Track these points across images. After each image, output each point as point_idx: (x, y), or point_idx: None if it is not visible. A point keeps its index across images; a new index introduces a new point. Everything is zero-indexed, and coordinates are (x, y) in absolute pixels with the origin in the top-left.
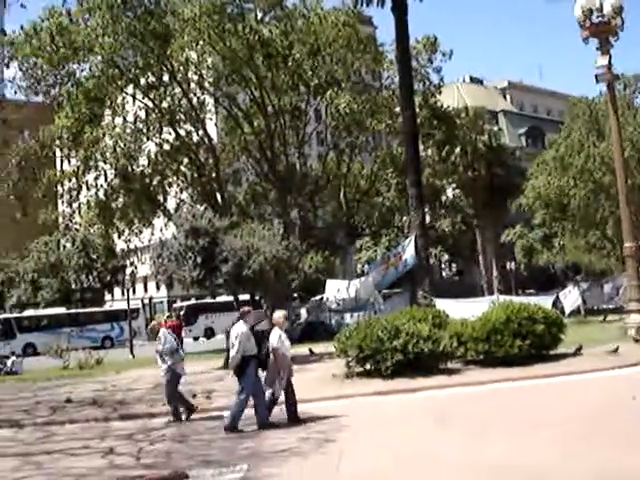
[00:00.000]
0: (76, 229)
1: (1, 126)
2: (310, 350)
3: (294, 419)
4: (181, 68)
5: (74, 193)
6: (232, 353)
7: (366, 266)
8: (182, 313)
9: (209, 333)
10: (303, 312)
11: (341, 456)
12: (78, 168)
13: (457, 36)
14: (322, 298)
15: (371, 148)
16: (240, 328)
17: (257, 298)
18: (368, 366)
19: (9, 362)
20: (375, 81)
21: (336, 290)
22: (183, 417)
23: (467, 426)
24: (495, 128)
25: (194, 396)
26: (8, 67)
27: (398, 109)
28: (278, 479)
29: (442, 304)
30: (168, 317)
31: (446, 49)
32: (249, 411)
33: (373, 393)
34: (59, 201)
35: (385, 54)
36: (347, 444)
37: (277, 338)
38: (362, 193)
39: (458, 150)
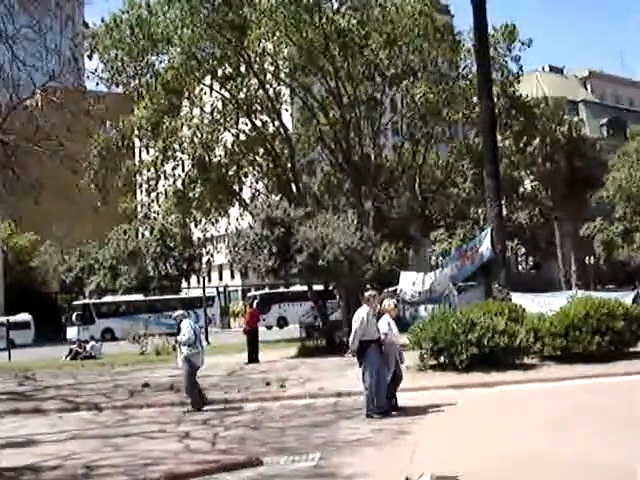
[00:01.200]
0: (154, 218)
1: (84, 117)
2: None
3: (393, 408)
4: (257, 59)
5: (152, 183)
6: (351, 337)
7: (440, 258)
8: (256, 302)
9: (282, 322)
10: None
11: (415, 448)
12: (157, 158)
13: (536, 24)
14: (396, 290)
15: (447, 138)
16: (362, 312)
17: (330, 288)
18: (442, 359)
19: (88, 346)
20: (452, 70)
21: (410, 282)
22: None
23: (545, 422)
24: (575, 119)
25: (268, 384)
26: (91, 59)
27: (475, 99)
28: (350, 469)
29: (518, 298)
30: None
31: (525, 37)
32: (324, 400)
33: (447, 386)
34: (138, 190)
35: (462, 43)
36: (421, 436)
37: (386, 325)
38: (437, 184)
39: (537, 141)
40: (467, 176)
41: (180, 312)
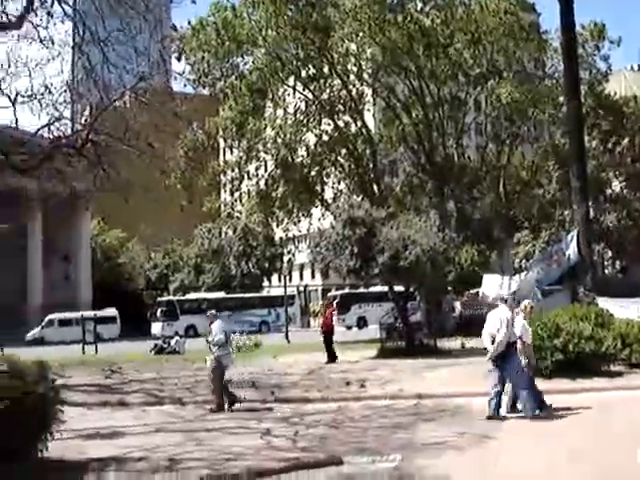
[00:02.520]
0: (237, 217)
1: (172, 118)
2: (462, 344)
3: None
4: (341, 60)
5: (236, 182)
6: (498, 338)
7: (524, 261)
8: (336, 302)
9: (361, 323)
10: (457, 305)
11: (500, 453)
12: (241, 158)
13: (625, 21)
14: (478, 292)
15: (532, 138)
16: (505, 313)
17: (412, 290)
18: None
19: (172, 342)
20: (538, 70)
21: (494, 285)
22: (226, 406)
23: (633, 432)
24: None
25: (348, 384)
26: (179, 60)
27: (562, 98)
28: (431, 471)
29: (605, 303)
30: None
31: (614, 36)
32: (404, 402)
33: None
34: (222, 190)
35: (549, 42)
36: (506, 441)
37: (521, 326)
38: (522, 185)
39: (626, 141)
40: (553, 177)
41: (212, 312)
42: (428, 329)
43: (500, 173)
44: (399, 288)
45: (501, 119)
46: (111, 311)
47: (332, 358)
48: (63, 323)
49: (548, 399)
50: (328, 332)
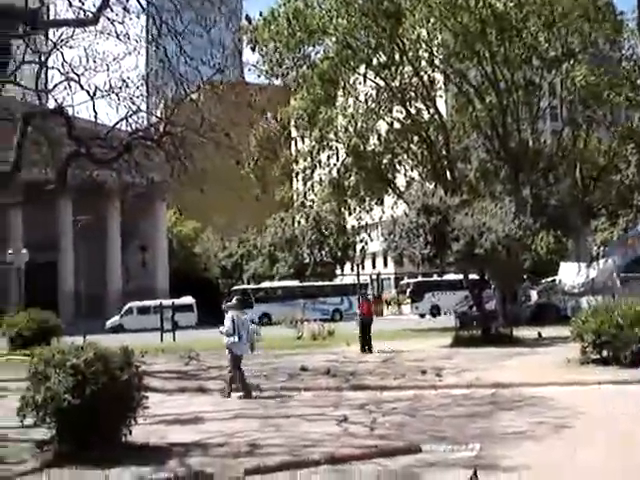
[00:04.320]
0: (310, 206)
1: (246, 109)
2: (539, 334)
3: None
4: (412, 46)
5: (309, 172)
6: None
7: (602, 248)
8: (409, 290)
9: (435, 311)
10: (533, 294)
11: (578, 444)
12: (313, 147)
13: None
14: (554, 280)
15: (609, 122)
16: None
17: (486, 278)
18: (605, 353)
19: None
20: (614, 52)
21: (571, 273)
22: (234, 394)
23: None
24: None
25: (423, 372)
26: (254, 51)
27: None
28: (510, 461)
29: None
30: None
31: None
32: (481, 391)
33: (610, 382)
34: (295, 179)
35: (626, 23)
36: (584, 432)
37: None
38: (599, 170)
39: None
40: (631, 162)
41: (230, 304)
42: (503, 318)
43: (576, 158)
44: (474, 276)
45: (576, 103)
46: (188, 299)
47: (367, 348)
48: (142, 311)
49: (629, 389)
50: (367, 322)
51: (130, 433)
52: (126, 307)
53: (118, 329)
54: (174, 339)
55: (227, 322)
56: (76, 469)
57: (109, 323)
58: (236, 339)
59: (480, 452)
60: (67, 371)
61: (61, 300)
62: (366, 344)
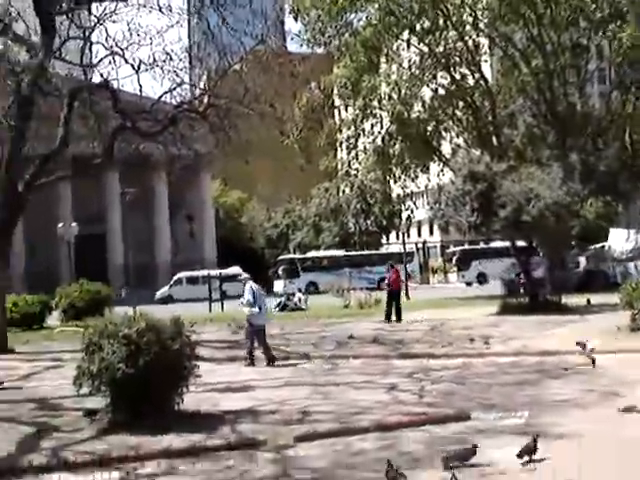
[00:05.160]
0: (354, 175)
1: (289, 78)
2: (587, 301)
3: None
4: (456, 11)
5: (352, 140)
6: None
7: None
8: (455, 258)
9: (482, 279)
10: (582, 260)
11: (627, 411)
12: (356, 116)
13: None
14: (603, 246)
15: None
16: None
17: (534, 245)
18: None
19: (295, 298)
20: None
21: (621, 239)
22: (264, 364)
23: None
24: None
25: (471, 340)
26: (297, 20)
27: None
28: (560, 428)
29: None
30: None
31: None
32: (529, 359)
33: None
34: (339, 149)
35: None
36: (635, 400)
37: None
38: None
39: None
40: None
41: (245, 276)
42: (551, 285)
43: (626, 122)
44: (521, 243)
45: (625, 65)
46: (235, 269)
47: (391, 317)
48: (190, 281)
49: None
50: (394, 291)
51: (182, 401)
52: (175, 278)
53: (167, 300)
54: (222, 309)
55: (247, 294)
56: (131, 436)
57: (158, 294)
58: (256, 310)
59: (529, 419)
60: (120, 341)
61: (111, 272)
62: (396, 314)
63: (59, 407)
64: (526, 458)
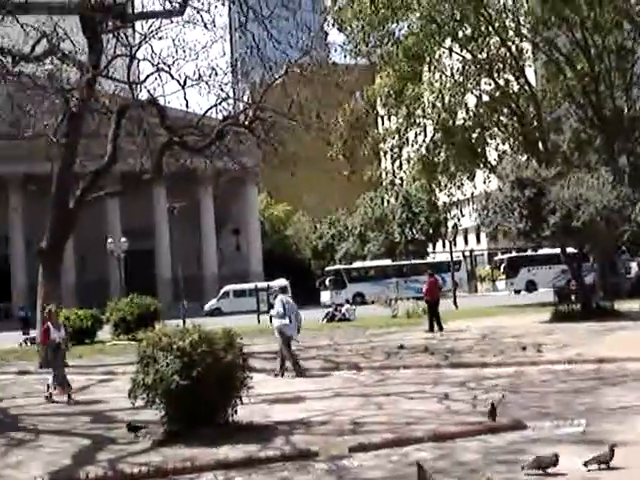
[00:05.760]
0: (399, 184)
1: (334, 89)
2: None
3: None
4: (498, 16)
5: (397, 150)
6: None
7: None
8: (503, 265)
9: (530, 286)
10: (633, 266)
11: None
12: (401, 125)
13: None
14: None
15: None
16: None
17: (584, 250)
18: None
19: (343, 309)
20: None
21: None
22: (286, 374)
23: None
24: None
25: (524, 348)
26: (341, 31)
27: None
28: (619, 436)
29: None
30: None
31: None
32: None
33: None
34: (383, 158)
35: None
36: None
37: None
38: None
39: None
40: None
41: (276, 288)
42: (603, 291)
43: None
44: (571, 249)
45: None
46: (282, 281)
47: (434, 328)
48: (238, 294)
49: None
50: (432, 302)
51: (235, 412)
52: (223, 291)
53: (215, 312)
54: (270, 321)
55: (278, 305)
56: (186, 448)
57: (207, 307)
58: (287, 321)
59: (587, 428)
60: (174, 353)
61: (159, 285)
62: (436, 323)
63: (114, 419)
64: (594, 466)
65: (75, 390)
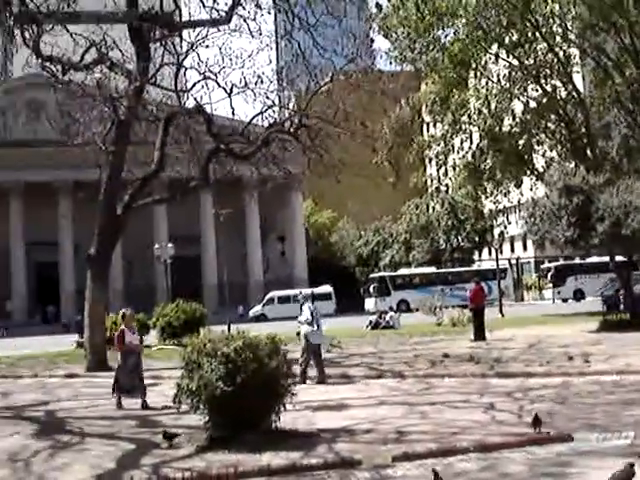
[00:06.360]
0: (445, 191)
1: (379, 96)
2: None
3: None
4: (545, 22)
5: (442, 157)
6: None
7: None
8: (550, 274)
9: (578, 295)
10: None
11: None
12: (446, 132)
13: None
14: None
15: None
16: None
17: (634, 259)
18: None
19: (387, 317)
20: None
21: None
22: (308, 382)
23: None
24: None
25: (570, 358)
26: (386, 38)
27: None
28: None
29: None
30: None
31: None
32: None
33: None
34: (428, 165)
35: None
36: None
37: None
38: None
39: None
40: None
41: (303, 295)
42: None
43: None
44: (620, 257)
45: None
46: (326, 288)
47: (480, 337)
48: (282, 300)
49: None
50: (477, 309)
51: (279, 419)
52: (267, 297)
53: (260, 318)
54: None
55: (306, 312)
56: (229, 454)
57: (252, 312)
58: (315, 328)
59: (634, 440)
60: (219, 359)
61: (205, 291)
62: (478, 333)
63: (159, 424)
64: None
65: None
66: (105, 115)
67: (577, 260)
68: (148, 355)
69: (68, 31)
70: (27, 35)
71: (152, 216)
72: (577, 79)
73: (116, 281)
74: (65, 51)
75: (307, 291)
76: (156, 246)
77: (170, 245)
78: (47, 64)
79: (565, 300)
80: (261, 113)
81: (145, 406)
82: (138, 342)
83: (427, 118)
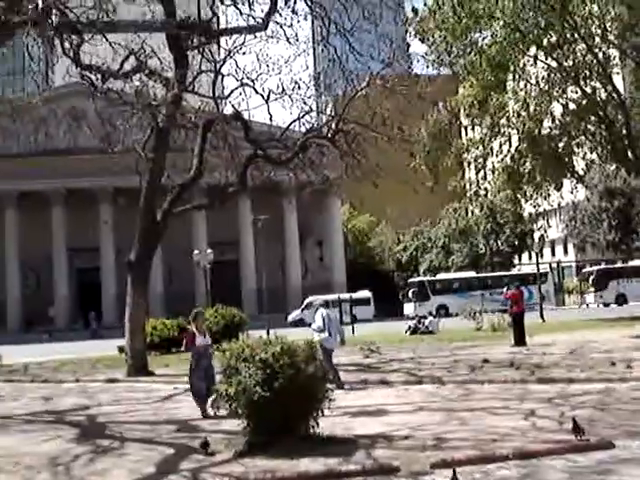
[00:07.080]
0: (484, 195)
1: (416, 100)
2: None
3: None
4: (583, 23)
5: (481, 160)
6: None
7: None
8: (592, 278)
9: (621, 300)
10: None
11: None
12: (485, 135)
13: None
14: None
15: None
16: None
17: None
18: None
19: (427, 322)
20: None
21: None
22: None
23: None
24: None
25: (613, 364)
26: (423, 42)
27: None
28: None
29: None
30: (508, 288)
31: None
32: None
33: None
34: (467, 169)
35: None
36: None
37: None
38: None
39: None
40: None
41: (318, 301)
42: None
43: None
44: None
45: None
46: (365, 293)
47: (520, 342)
48: (321, 305)
49: None
50: (517, 314)
51: (317, 425)
52: (306, 301)
53: (299, 323)
54: (353, 332)
55: (318, 319)
56: (267, 459)
57: (291, 317)
58: (327, 334)
59: None
60: (257, 365)
61: (244, 296)
62: (517, 338)
63: (197, 429)
64: None
65: (161, 399)
66: (144, 123)
67: (619, 264)
68: (187, 360)
69: (107, 40)
70: (67, 45)
71: (192, 222)
72: (617, 80)
73: (156, 286)
74: (104, 60)
75: (346, 295)
76: (195, 252)
77: (209, 251)
78: (87, 73)
79: (607, 305)
80: (298, 119)
81: (205, 416)
82: (209, 344)
83: (465, 121)
